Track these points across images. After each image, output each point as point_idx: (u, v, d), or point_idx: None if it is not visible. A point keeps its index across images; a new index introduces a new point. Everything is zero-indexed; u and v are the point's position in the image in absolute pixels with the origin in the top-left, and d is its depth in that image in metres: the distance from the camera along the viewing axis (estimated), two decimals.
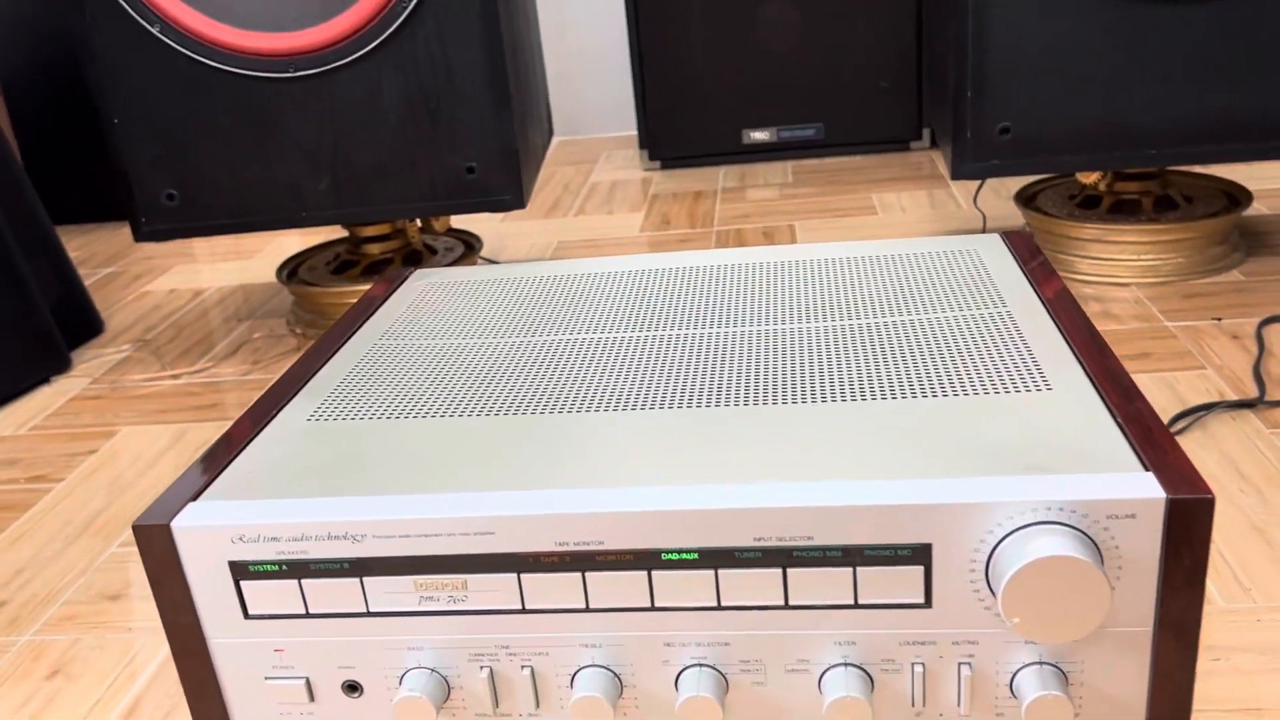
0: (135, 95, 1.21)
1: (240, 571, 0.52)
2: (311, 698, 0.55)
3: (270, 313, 1.53)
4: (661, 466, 0.52)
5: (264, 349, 1.40)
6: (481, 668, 0.53)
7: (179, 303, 1.62)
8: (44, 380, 1.38)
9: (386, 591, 0.52)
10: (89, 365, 1.41)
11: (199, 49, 1.17)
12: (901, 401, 0.56)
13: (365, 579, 0.52)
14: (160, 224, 1.26)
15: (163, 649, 0.83)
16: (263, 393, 0.64)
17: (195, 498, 0.54)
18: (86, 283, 1.57)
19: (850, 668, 0.50)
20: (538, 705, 0.53)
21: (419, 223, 1.47)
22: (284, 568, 0.52)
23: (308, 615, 0.53)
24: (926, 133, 1.98)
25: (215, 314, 1.55)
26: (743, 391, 0.59)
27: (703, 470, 0.51)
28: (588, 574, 0.50)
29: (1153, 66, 1.14)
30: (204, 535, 0.52)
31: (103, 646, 0.85)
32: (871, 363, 0.60)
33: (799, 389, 0.58)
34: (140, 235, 1.27)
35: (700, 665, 0.52)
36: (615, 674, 0.52)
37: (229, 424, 1.19)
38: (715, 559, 0.49)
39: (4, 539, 1.02)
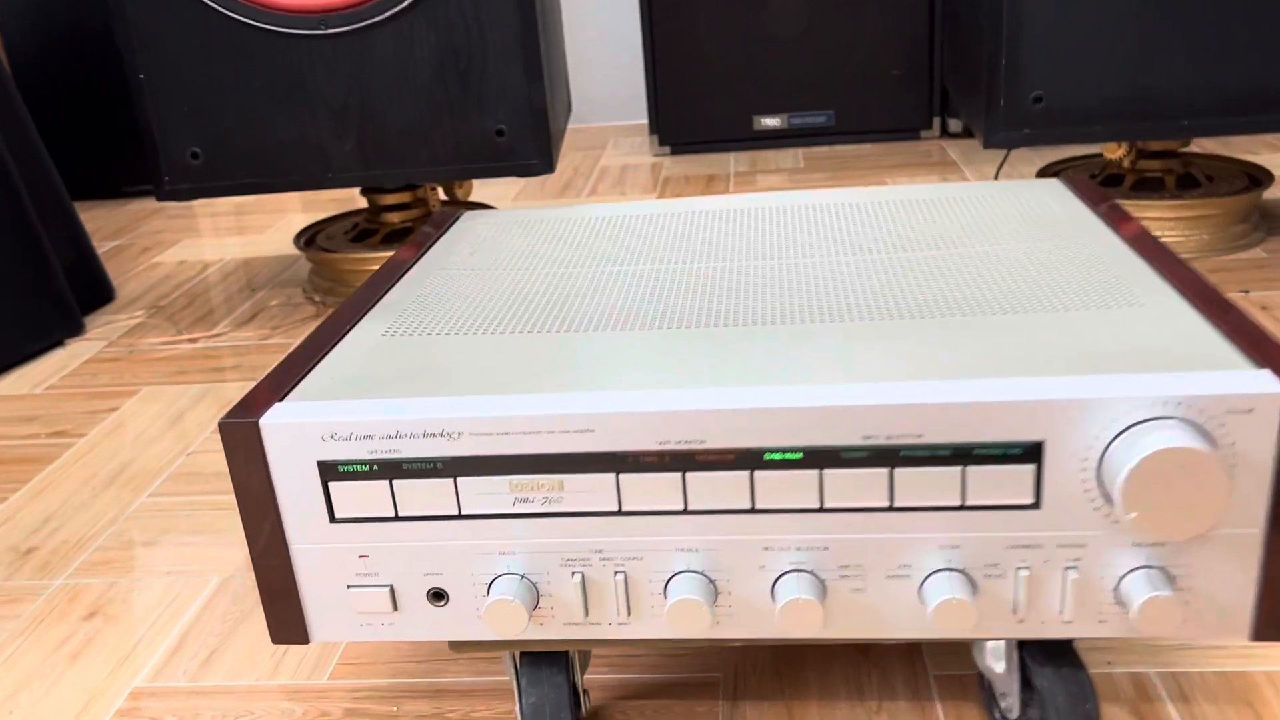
0: (163, 51, 1.19)
1: (329, 472, 0.51)
2: (395, 606, 0.54)
3: (285, 282, 1.52)
4: (766, 369, 0.51)
5: (281, 315, 1.38)
6: (574, 573, 0.52)
7: (189, 273, 1.60)
8: (57, 343, 1.36)
9: (480, 493, 0.51)
10: (103, 330, 1.39)
11: (231, 5, 1.16)
12: (1001, 316, 0.55)
13: (459, 480, 0.51)
14: (183, 183, 1.24)
15: (205, 590, 0.81)
16: (326, 316, 0.63)
17: (281, 398, 0.53)
18: None
19: (953, 573, 0.50)
20: (629, 613, 0.52)
21: (440, 194, 1.46)
22: (375, 468, 0.51)
23: (396, 518, 0.52)
24: (937, 121, 1.99)
25: (227, 284, 1.54)
26: (839, 311, 0.58)
27: (808, 372, 0.51)
28: (687, 474, 0.50)
29: (1185, 36, 1.14)
30: (294, 432, 0.51)
31: (142, 589, 0.83)
32: (964, 285, 0.60)
33: (896, 308, 0.58)
34: (163, 194, 1.25)
35: (799, 571, 0.51)
36: (710, 580, 0.51)
37: (254, 384, 1.18)
38: (820, 459, 0.49)
39: (28, 490, 1.00)
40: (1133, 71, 1.15)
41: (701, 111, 2.01)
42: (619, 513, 0.51)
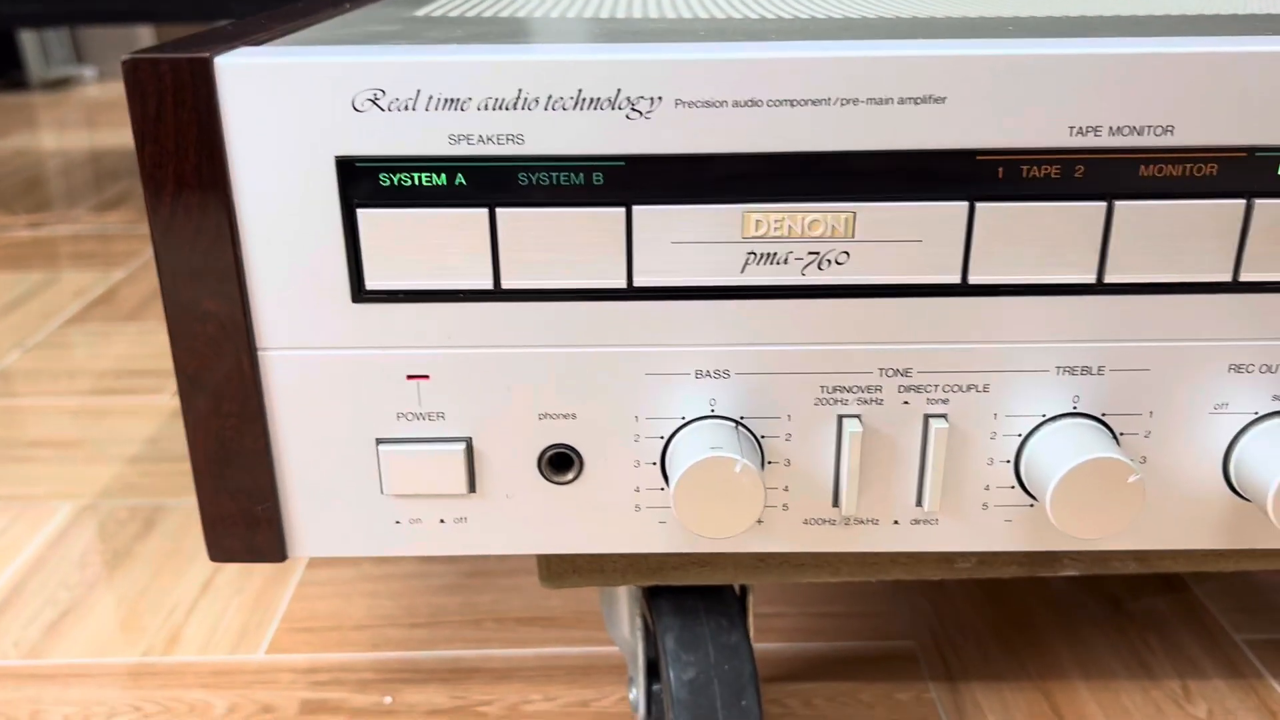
0: None
1: (358, 182, 0.24)
2: (472, 484, 0.27)
3: None
4: None
5: None
6: (844, 417, 0.26)
7: (29, 160, 1.27)
8: None
9: (676, 240, 0.25)
10: None
11: None
12: None
13: (636, 210, 0.24)
14: (23, 3, 0.93)
15: (51, 523, 0.52)
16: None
17: (258, 44, 0.25)
18: None
19: None
20: (939, 499, 0.27)
21: None
22: (461, 180, 0.24)
23: (496, 295, 0.25)
24: None
25: (87, 170, 1.21)
26: None
27: None
28: (1116, 204, 0.24)
29: None
30: (289, 84, 0.23)
31: None
32: None
33: None
34: None
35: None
36: (1104, 426, 0.26)
37: (122, 272, 0.88)
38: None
39: None
40: None
41: None
42: (962, 289, 0.25)
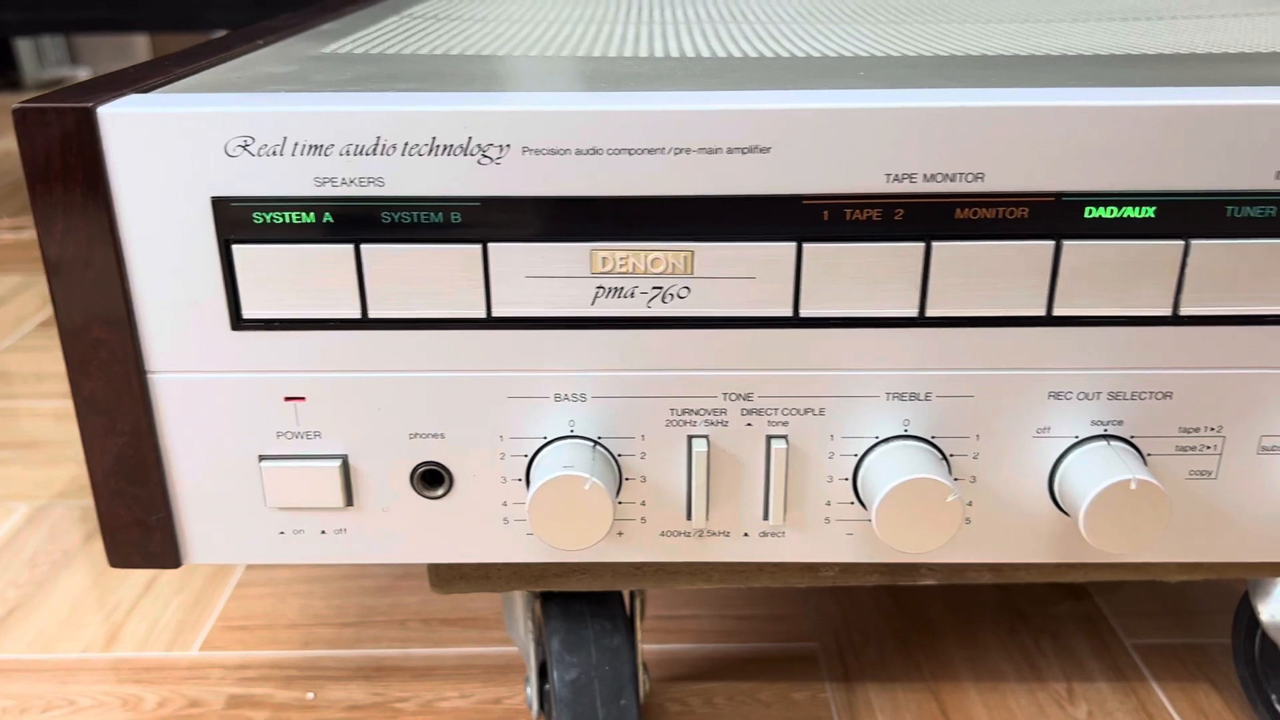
0: None
1: (234, 222, 0.26)
2: (349, 498, 0.29)
3: None
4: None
5: None
6: (693, 438, 0.28)
7: (18, 162, 1.29)
8: None
9: (531, 275, 0.27)
10: None
11: None
12: None
13: (491, 247, 0.26)
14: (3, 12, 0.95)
15: (8, 522, 0.54)
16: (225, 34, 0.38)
17: (144, 90, 0.27)
18: None
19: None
20: (784, 513, 0.29)
21: None
22: (328, 217, 0.26)
23: (364, 324, 0.27)
24: None
25: None
26: None
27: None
28: (934, 244, 0.26)
29: None
30: (166, 132, 0.25)
31: None
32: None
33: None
34: None
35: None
36: (937, 451, 0.28)
37: None
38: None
39: None
40: None
41: None
42: (794, 321, 0.27)
